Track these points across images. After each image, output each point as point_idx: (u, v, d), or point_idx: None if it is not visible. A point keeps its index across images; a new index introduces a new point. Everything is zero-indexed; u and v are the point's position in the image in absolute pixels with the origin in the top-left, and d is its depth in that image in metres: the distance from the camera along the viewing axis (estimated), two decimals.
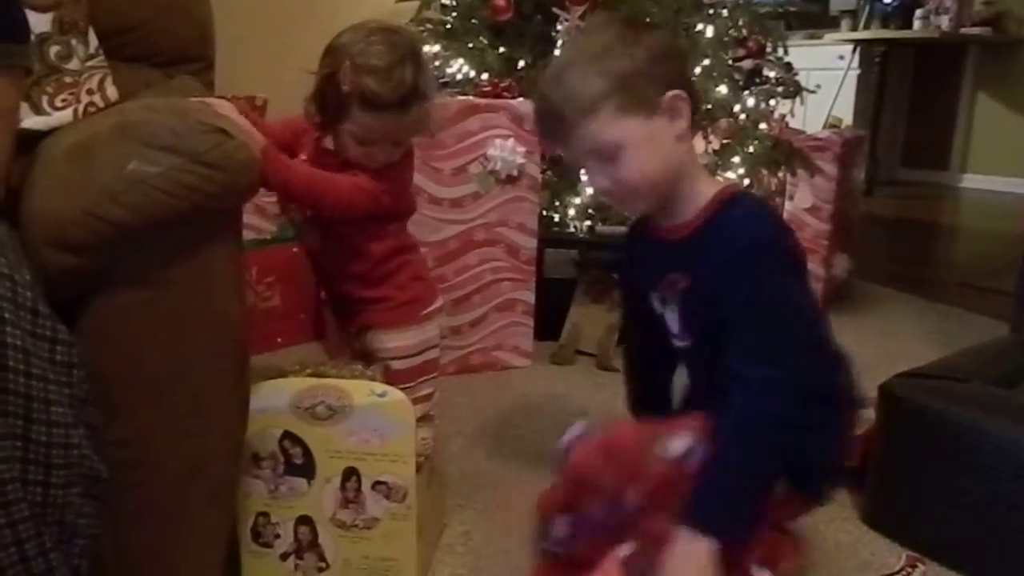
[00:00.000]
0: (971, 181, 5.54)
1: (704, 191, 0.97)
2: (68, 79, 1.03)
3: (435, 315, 1.31)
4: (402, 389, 1.13)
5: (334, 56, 1.14)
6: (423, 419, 1.24)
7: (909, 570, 1.23)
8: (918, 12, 5.02)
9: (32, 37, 0.99)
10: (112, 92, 1.08)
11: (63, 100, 1.02)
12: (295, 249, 2.14)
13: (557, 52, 2.33)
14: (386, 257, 1.25)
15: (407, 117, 1.14)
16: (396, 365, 1.24)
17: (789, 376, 0.88)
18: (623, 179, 0.93)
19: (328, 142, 1.21)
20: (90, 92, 1.06)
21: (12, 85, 0.83)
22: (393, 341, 1.25)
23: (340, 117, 1.16)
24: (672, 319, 1.02)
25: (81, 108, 1.04)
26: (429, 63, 1.19)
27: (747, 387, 0.89)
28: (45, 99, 1.00)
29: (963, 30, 5.07)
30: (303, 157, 1.24)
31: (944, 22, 5.00)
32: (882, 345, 2.26)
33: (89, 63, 1.07)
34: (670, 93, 0.92)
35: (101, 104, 1.06)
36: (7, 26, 0.82)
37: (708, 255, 0.94)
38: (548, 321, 2.15)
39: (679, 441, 0.93)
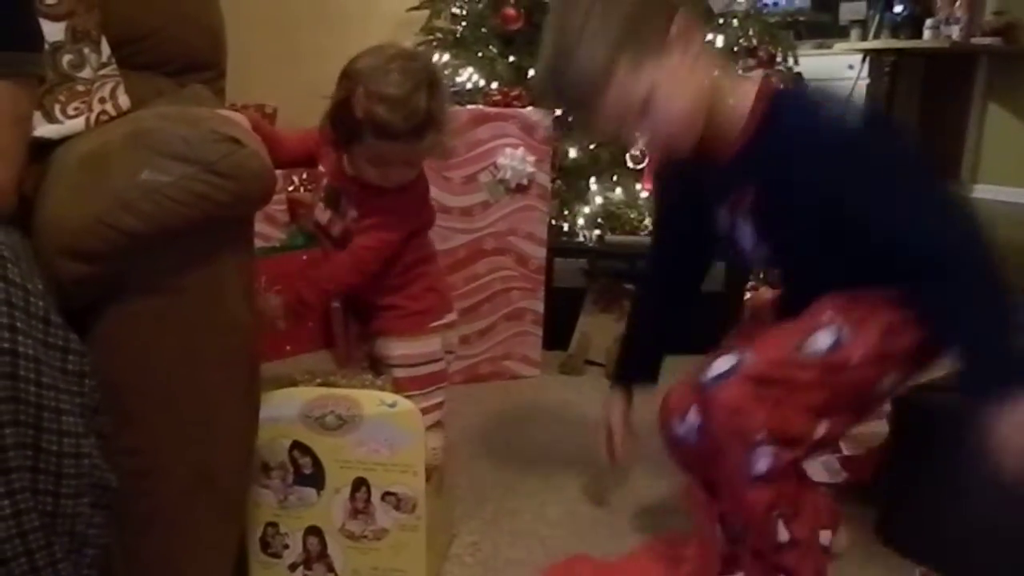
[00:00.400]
0: (982, 191, 5.50)
1: (742, 100, 0.94)
2: (80, 88, 1.03)
3: (444, 329, 1.31)
4: (409, 397, 1.13)
5: (349, 81, 1.13)
6: (433, 427, 1.25)
7: None
8: (928, 22, 5.01)
9: (46, 46, 1.00)
10: (124, 101, 1.08)
11: (75, 108, 1.02)
12: (304, 257, 2.15)
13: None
14: (404, 268, 1.26)
15: (420, 145, 1.14)
16: (399, 373, 1.25)
17: (952, 214, 0.89)
18: (661, 125, 0.91)
19: (345, 160, 1.22)
20: (102, 101, 1.06)
21: (25, 93, 0.83)
22: (399, 349, 1.26)
23: (353, 140, 1.16)
24: (745, 234, 1.00)
25: (93, 117, 1.04)
26: (445, 89, 1.18)
27: (927, 250, 0.87)
28: (57, 107, 1.00)
29: (973, 40, 5.05)
30: (322, 170, 1.26)
31: (954, 32, 4.98)
32: None
33: (101, 72, 1.07)
34: (673, 24, 0.89)
35: (113, 113, 1.06)
36: (21, 35, 0.83)
37: (771, 162, 0.91)
38: (557, 330, 2.14)
39: (821, 336, 0.92)
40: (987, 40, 5.07)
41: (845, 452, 1.52)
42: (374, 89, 1.10)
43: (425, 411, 1.19)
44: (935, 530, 1.28)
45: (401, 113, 1.09)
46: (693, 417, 1.09)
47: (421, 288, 1.28)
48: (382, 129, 1.10)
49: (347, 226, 1.24)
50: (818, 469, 1.43)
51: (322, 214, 1.26)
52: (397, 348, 1.26)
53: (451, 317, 1.33)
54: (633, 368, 1.36)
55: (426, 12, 2.46)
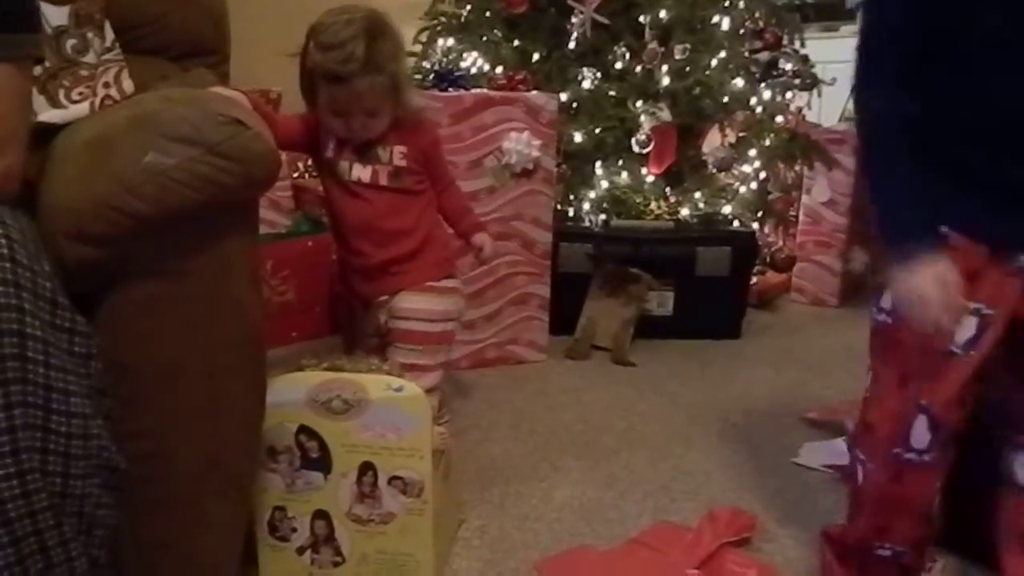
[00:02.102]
0: None
1: None
2: (84, 72, 1.03)
3: (452, 292, 1.40)
4: (422, 355, 1.31)
5: (306, 39, 1.25)
6: (433, 390, 1.32)
7: (930, 565, 1.21)
8: None
9: (49, 30, 0.99)
10: (128, 85, 1.08)
11: (80, 93, 1.02)
12: (310, 243, 2.15)
13: (572, 45, 2.33)
14: (431, 208, 1.39)
15: (362, 86, 1.22)
16: (417, 327, 1.34)
17: None
18: None
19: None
20: (106, 85, 1.06)
21: (27, 75, 0.83)
22: (421, 303, 1.34)
23: (314, 93, 1.26)
24: None
25: (98, 101, 1.04)
26: (392, 39, 1.26)
27: None
28: (62, 92, 1.00)
29: None
30: (331, 149, 1.32)
31: None
32: None
33: (105, 56, 1.07)
34: None
35: (117, 97, 1.06)
36: (19, 16, 0.82)
37: None
38: (563, 315, 2.14)
39: None
40: None
41: None
42: (318, 40, 1.22)
43: (432, 369, 1.35)
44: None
45: (338, 57, 1.20)
46: None
47: (445, 234, 1.42)
48: (324, 73, 1.22)
49: (396, 165, 1.31)
50: None
51: (362, 171, 1.31)
52: (419, 302, 1.34)
53: (457, 282, 1.42)
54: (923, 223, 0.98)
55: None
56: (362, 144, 1.31)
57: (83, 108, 1.02)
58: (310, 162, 2.57)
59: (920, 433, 0.97)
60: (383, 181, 1.32)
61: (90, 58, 1.05)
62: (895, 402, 0.99)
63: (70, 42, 1.03)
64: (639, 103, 2.30)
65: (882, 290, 1.02)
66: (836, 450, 1.56)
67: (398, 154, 1.31)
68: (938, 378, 0.95)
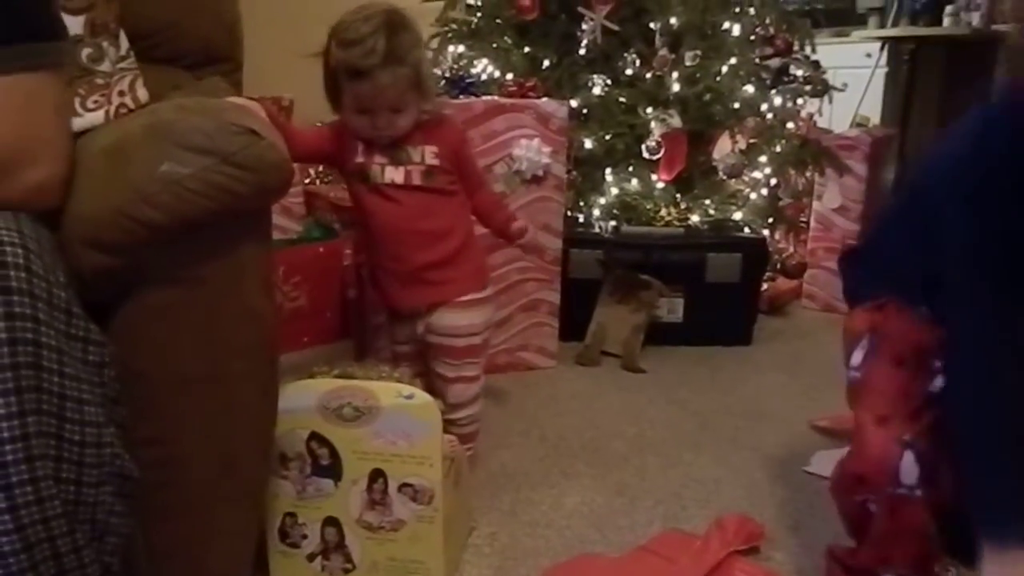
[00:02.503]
0: None
1: None
2: (100, 81, 1.04)
3: (486, 302, 1.44)
4: (468, 368, 1.38)
5: (327, 40, 1.26)
6: (478, 397, 1.43)
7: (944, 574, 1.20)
8: (948, 9, 4.92)
9: None
10: (143, 94, 1.09)
11: (95, 102, 1.03)
12: (321, 249, 2.16)
13: (582, 51, 2.33)
14: (465, 211, 1.41)
15: (385, 79, 1.22)
16: (460, 343, 1.38)
17: None
18: None
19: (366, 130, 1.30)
20: (121, 94, 1.07)
21: (64, 83, 0.84)
22: (463, 319, 1.38)
23: (339, 92, 1.27)
24: None
25: (112, 110, 1.05)
26: (411, 32, 1.27)
27: None
28: (77, 101, 1.01)
29: (995, 27, 4.97)
30: (360, 154, 1.33)
31: (975, 19, 4.90)
32: None
33: (120, 65, 1.08)
34: None
35: (132, 106, 1.07)
36: (52, 24, 0.83)
37: None
38: (573, 322, 2.14)
39: None
40: (1009, 27, 4.99)
41: None
42: (339, 38, 1.23)
43: (478, 379, 1.42)
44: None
45: (360, 52, 1.21)
46: None
47: (476, 251, 1.43)
48: (347, 69, 1.23)
49: (428, 164, 1.32)
50: None
51: (395, 173, 1.32)
52: (460, 319, 1.37)
53: (491, 289, 1.46)
54: None
55: (441, 3, 2.45)
56: (392, 146, 1.31)
57: (98, 116, 1.03)
58: (321, 168, 2.59)
59: (908, 469, 0.97)
60: (416, 181, 1.32)
61: (105, 67, 1.06)
62: (879, 442, 0.99)
63: (85, 51, 1.04)
64: (649, 109, 2.30)
65: (852, 345, 1.09)
66: None
67: (430, 153, 1.32)
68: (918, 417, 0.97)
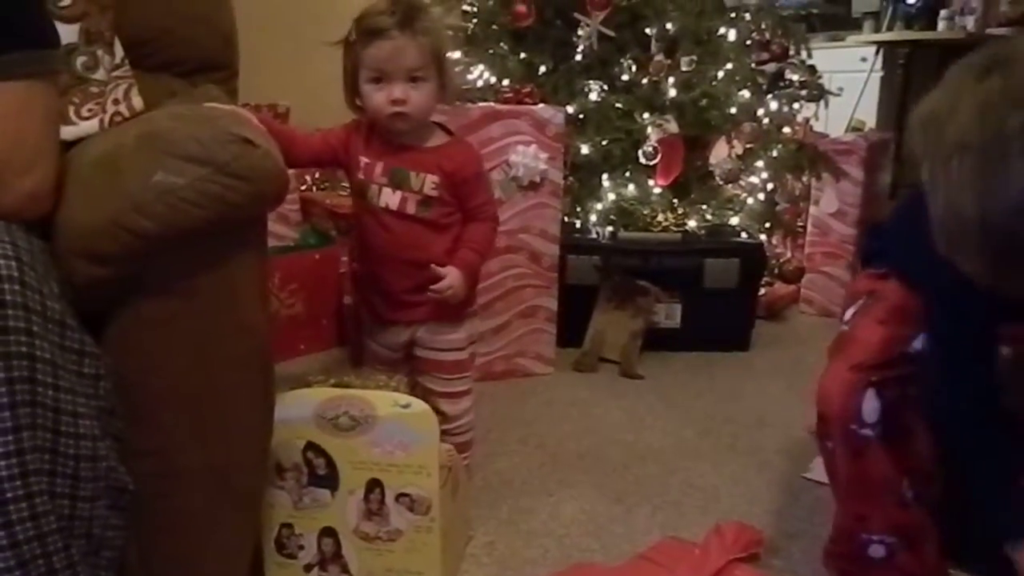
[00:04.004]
0: None
1: None
2: (94, 89, 1.03)
3: (476, 312, 1.43)
4: (458, 382, 1.35)
5: (347, 33, 1.25)
6: (470, 409, 1.40)
7: None
8: (943, 13, 4.94)
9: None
10: (138, 102, 1.08)
11: (89, 110, 1.02)
12: (317, 256, 2.15)
13: (578, 57, 2.32)
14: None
15: (404, 41, 1.20)
16: (450, 357, 1.36)
17: None
18: None
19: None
20: (116, 102, 1.06)
21: (55, 91, 0.84)
22: (452, 333, 1.35)
23: (357, 72, 1.24)
24: None
25: (107, 118, 1.04)
26: (432, 20, 1.26)
27: None
28: (72, 109, 1.00)
29: (989, 31, 4.97)
30: (364, 158, 1.29)
31: (969, 23, 4.91)
32: None
33: (115, 73, 1.07)
34: None
35: (127, 114, 1.06)
36: (44, 33, 0.82)
37: None
38: (570, 328, 2.13)
39: None
40: (1003, 30, 5.00)
41: None
42: (359, 28, 1.23)
43: (468, 392, 1.39)
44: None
45: (377, 13, 1.20)
46: None
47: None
48: (366, 32, 1.21)
49: (426, 195, 1.28)
50: None
51: (391, 197, 1.28)
52: (446, 333, 1.35)
53: (474, 305, 1.42)
54: None
55: (437, 9, 2.45)
56: (395, 155, 1.28)
57: (93, 125, 1.02)
58: (318, 175, 2.58)
59: (870, 406, 1.03)
60: (411, 210, 1.28)
61: (100, 75, 1.05)
62: (846, 379, 1.05)
63: (80, 59, 1.03)
64: (646, 115, 2.30)
65: (850, 304, 1.15)
66: None
67: (430, 183, 1.27)
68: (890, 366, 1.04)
